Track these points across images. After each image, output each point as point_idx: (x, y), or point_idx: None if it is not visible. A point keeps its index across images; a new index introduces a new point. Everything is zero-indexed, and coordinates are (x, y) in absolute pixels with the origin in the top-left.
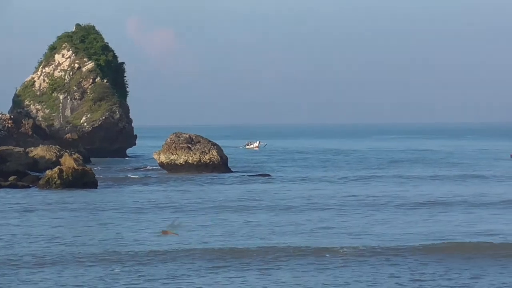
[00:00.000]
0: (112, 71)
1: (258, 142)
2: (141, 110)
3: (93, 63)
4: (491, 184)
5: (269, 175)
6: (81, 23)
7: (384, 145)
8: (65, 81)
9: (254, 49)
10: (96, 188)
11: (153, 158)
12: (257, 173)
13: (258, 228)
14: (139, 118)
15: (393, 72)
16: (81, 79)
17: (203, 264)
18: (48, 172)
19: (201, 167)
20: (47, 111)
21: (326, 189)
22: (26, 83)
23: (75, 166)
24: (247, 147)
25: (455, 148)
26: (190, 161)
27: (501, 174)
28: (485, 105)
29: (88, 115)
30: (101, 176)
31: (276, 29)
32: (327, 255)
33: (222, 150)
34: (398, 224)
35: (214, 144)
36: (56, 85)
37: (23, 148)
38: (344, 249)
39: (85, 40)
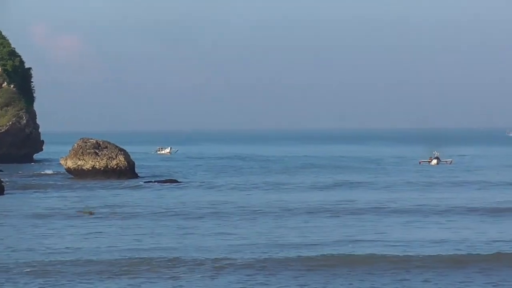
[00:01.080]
0: (19, 77)
1: (169, 148)
2: (48, 115)
3: (0, 68)
4: (401, 191)
5: (176, 181)
6: None
7: (291, 150)
8: None
9: (160, 57)
10: (3, 194)
11: (60, 163)
12: (164, 179)
13: (151, 235)
14: (46, 123)
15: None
16: None
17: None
18: None
19: (108, 173)
20: None
21: (231, 196)
22: None
23: None
24: (158, 152)
25: (362, 153)
26: (97, 167)
27: (410, 181)
28: (380, 112)
29: None
30: (8, 182)
31: (181, 36)
32: (223, 264)
33: (129, 156)
34: (310, 232)
35: (122, 150)
36: None
37: None
38: (238, 258)
39: None
